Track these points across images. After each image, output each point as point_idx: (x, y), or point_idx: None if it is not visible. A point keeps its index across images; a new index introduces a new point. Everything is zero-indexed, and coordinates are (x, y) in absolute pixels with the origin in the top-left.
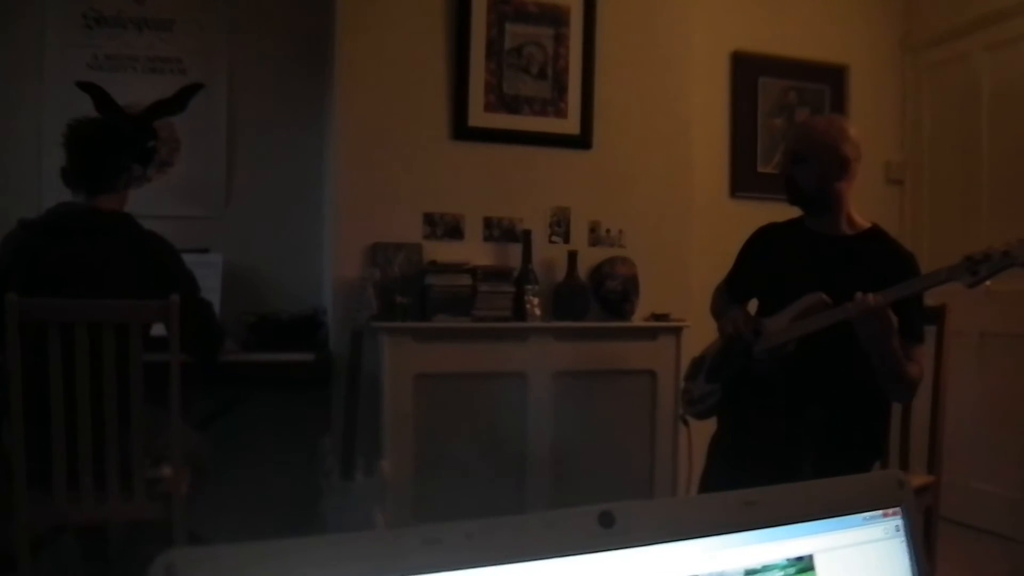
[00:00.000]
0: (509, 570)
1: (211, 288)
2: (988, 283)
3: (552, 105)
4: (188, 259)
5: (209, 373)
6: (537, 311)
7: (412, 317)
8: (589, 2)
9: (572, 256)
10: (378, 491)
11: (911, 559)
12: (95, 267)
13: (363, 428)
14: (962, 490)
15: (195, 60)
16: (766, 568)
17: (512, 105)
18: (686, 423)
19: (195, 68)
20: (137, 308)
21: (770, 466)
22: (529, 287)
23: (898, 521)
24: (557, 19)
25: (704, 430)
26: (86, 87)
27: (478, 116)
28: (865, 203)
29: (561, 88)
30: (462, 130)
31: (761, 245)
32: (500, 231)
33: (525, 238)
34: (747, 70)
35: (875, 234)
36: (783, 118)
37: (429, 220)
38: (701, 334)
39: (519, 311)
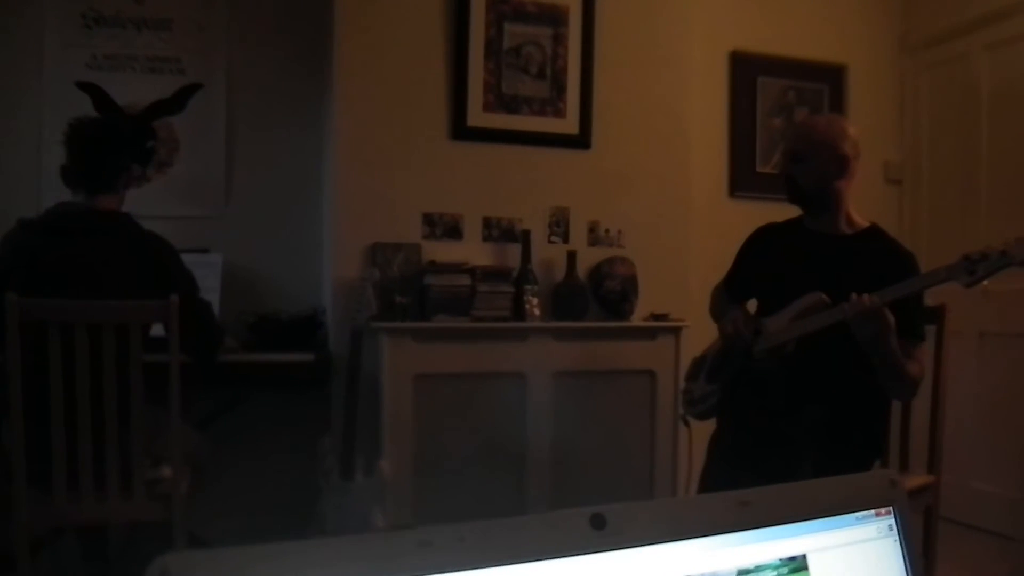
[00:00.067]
0: (502, 572)
1: (210, 288)
2: (986, 283)
3: (551, 105)
4: (187, 259)
5: (208, 373)
6: (536, 311)
7: (411, 317)
8: (588, 2)
9: (571, 256)
10: (377, 491)
11: (904, 558)
12: (95, 267)
13: (362, 428)
14: (962, 490)
15: (194, 60)
16: (759, 568)
17: (511, 105)
18: (687, 423)
19: (194, 68)
20: (137, 308)
21: (770, 466)
22: (528, 287)
23: (891, 520)
24: (556, 19)
25: (704, 430)
26: (85, 87)
27: (477, 116)
28: (864, 203)
29: (560, 88)
30: (461, 130)
31: (760, 245)
32: (499, 231)
33: (524, 238)
34: (746, 70)
35: (874, 233)
36: (782, 118)
37: (428, 220)
38: (700, 334)
39: (518, 311)
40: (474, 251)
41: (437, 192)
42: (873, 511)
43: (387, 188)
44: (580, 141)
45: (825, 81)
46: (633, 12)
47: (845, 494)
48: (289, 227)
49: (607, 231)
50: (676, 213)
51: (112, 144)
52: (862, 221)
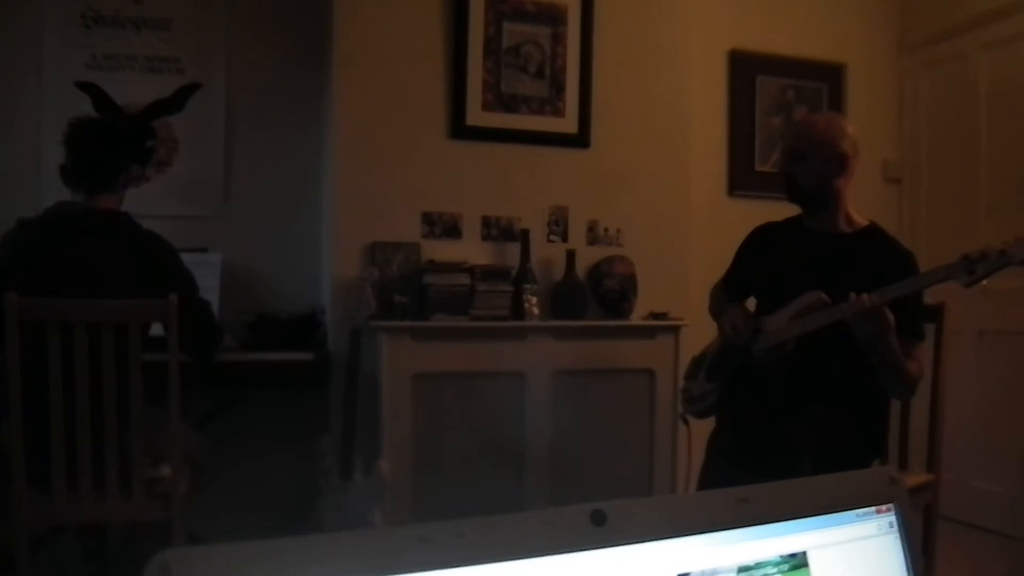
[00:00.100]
0: (502, 568)
1: (210, 287)
2: (985, 282)
3: (550, 104)
4: (187, 259)
5: (207, 372)
6: (535, 310)
7: (410, 316)
8: (587, 1)
9: (570, 255)
10: (376, 490)
11: (904, 555)
12: (94, 267)
13: (361, 427)
14: (961, 488)
15: (193, 60)
16: (760, 565)
17: (510, 104)
18: (686, 422)
19: (193, 67)
20: (136, 308)
21: (769, 465)
22: (527, 286)
23: (891, 517)
24: (555, 18)
25: (704, 429)
26: (85, 87)
27: (476, 115)
28: (863, 201)
29: (559, 87)
30: (460, 129)
31: (759, 244)
32: (498, 230)
33: (523, 237)
34: (745, 69)
35: (873, 232)
36: (781, 116)
37: (427, 219)
38: (699, 333)
39: (517, 310)
40: (473, 250)
41: (436, 191)
42: (874, 508)
43: (386, 187)
44: (579, 140)
45: (824, 80)
46: (632, 11)
47: (846, 491)
48: (288, 226)
49: (606, 230)
50: (675, 212)
51: (111, 144)
52: (861, 220)
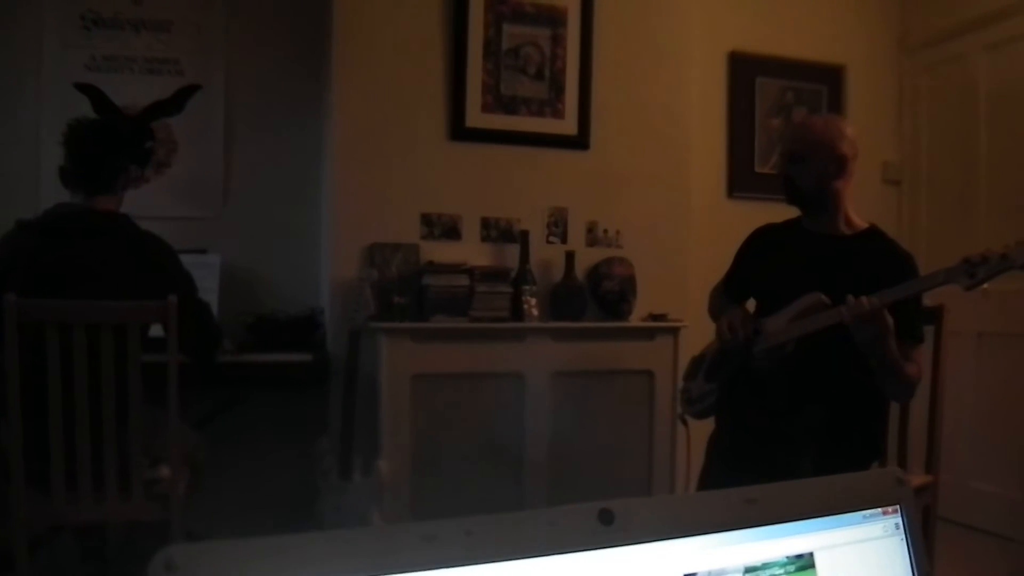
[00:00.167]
0: (508, 567)
1: (209, 289)
2: (986, 285)
3: (549, 106)
4: (186, 260)
5: (207, 373)
6: (535, 311)
7: (410, 317)
8: (586, 3)
9: (569, 256)
10: (375, 491)
11: (910, 557)
12: (93, 268)
13: (360, 428)
14: (960, 490)
15: (192, 61)
16: (766, 566)
17: (509, 106)
18: (685, 422)
19: (192, 69)
20: (135, 309)
21: (769, 466)
22: (526, 287)
23: (897, 519)
24: (554, 20)
25: (703, 430)
26: (84, 88)
27: (475, 117)
28: (862, 203)
29: (558, 89)
30: (459, 131)
31: (759, 245)
32: (497, 231)
33: (522, 238)
34: (744, 70)
35: (873, 234)
36: (780, 118)
37: (426, 220)
38: (699, 334)
39: (516, 311)
40: (472, 251)
41: (435, 192)
42: (880, 509)
43: (385, 188)
44: (578, 142)
45: (824, 81)
46: (631, 13)
47: (852, 492)
48: (287, 227)
49: (605, 231)
50: (674, 213)
51: (110, 145)
52: (861, 222)
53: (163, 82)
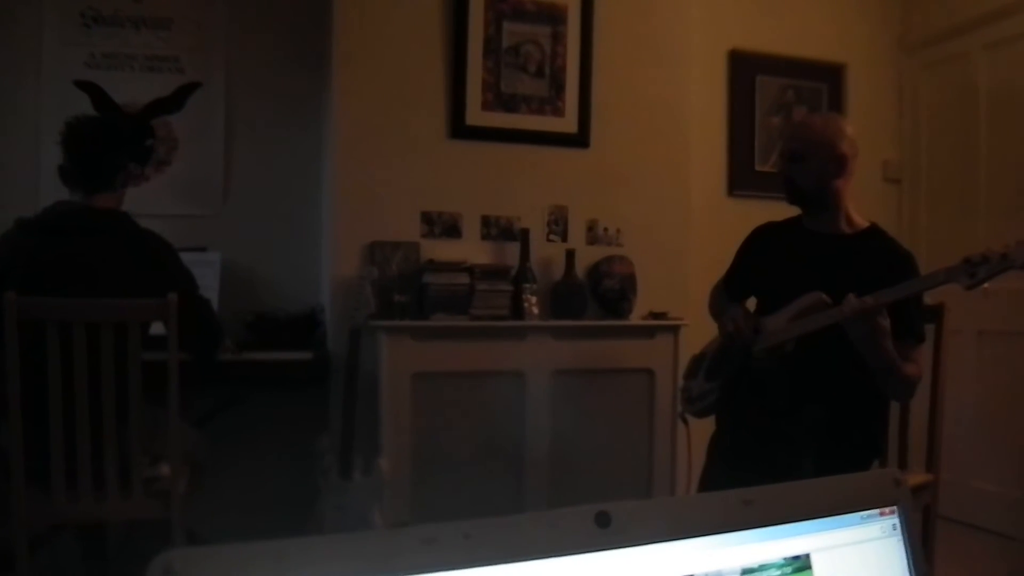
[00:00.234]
0: (506, 570)
1: (209, 287)
2: (986, 285)
3: (550, 104)
4: (186, 258)
5: (207, 371)
6: (535, 310)
7: (410, 316)
8: (587, 1)
9: (570, 255)
10: (376, 490)
11: (908, 558)
12: (92, 266)
13: (361, 427)
14: (961, 488)
15: (193, 59)
16: (763, 567)
17: (510, 104)
18: (685, 421)
19: (193, 67)
20: (136, 307)
21: (769, 466)
22: (527, 286)
23: (895, 520)
24: (555, 18)
25: (704, 429)
26: (84, 86)
27: (475, 115)
28: (862, 202)
29: (559, 87)
30: (459, 129)
31: (759, 244)
32: (498, 230)
33: (523, 237)
34: (745, 68)
35: (873, 233)
36: (781, 117)
37: (427, 219)
38: (699, 333)
39: (517, 310)
40: (473, 250)
41: (436, 191)
42: (877, 510)
43: (386, 187)
44: (579, 140)
45: (824, 80)
46: (632, 11)
47: (849, 493)
48: (288, 226)
49: (606, 230)
50: (675, 212)
51: (109, 143)
52: (861, 221)
53: (163, 80)
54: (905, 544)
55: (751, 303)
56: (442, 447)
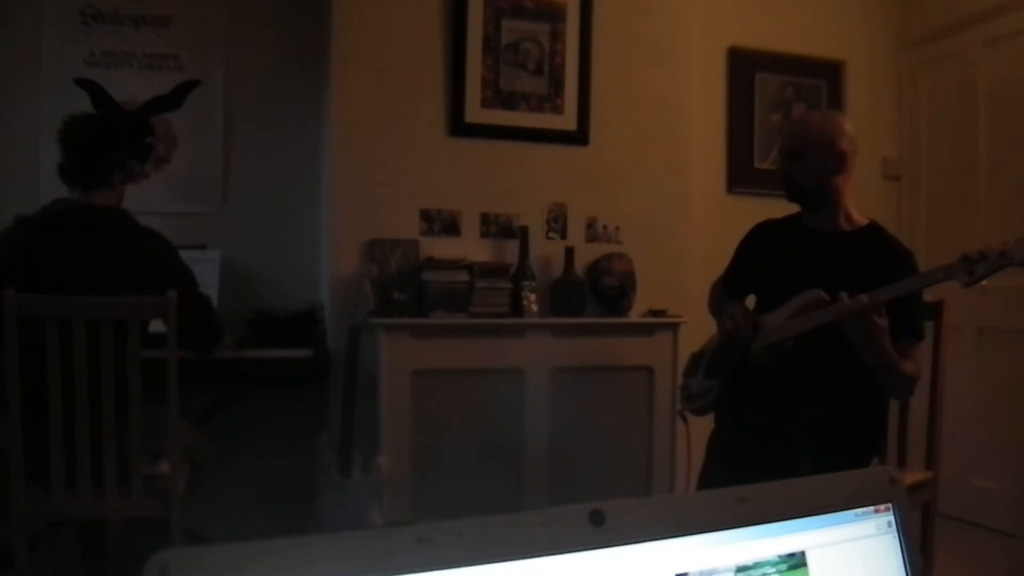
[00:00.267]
0: (500, 569)
1: (209, 284)
2: (985, 282)
3: (549, 101)
4: (186, 255)
5: (205, 357)
6: (534, 307)
7: (409, 313)
8: None
9: (569, 252)
10: (375, 487)
11: (903, 555)
12: (92, 263)
13: (360, 424)
14: (960, 486)
15: (192, 56)
16: (758, 565)
17: (509, 101)
18: (684, 419)
19: (192, 64)
20: (136, 305)
21: (768, 463)
22: (526, 283)
23: (890, 517)
24: (554, 15)
25: (703, 426)
26: (83, 84)
27: (475, 112)
28: (862, 199)
29: (558, 84)
30: (459, 126)
31: (758, 241)
32: (497, 227)
33: (522, 234)
34: (744, 66)
35: (873, 230)
36: (780, 114)
37: (426, 216)
38: (698, 330)
39: (516, 307)
40: (472, 247)
41: (435, 188)
42: (872, 508)
43: (385, 184)
44: (578, 137)
45: (823, 77)
46: (631, 8)
47: (844, 491)
48: (287, 223)
49: (605, 227)
50: (674, 209)
51: (106, 140)
52: (861, 218)
53: (162, 77)
54: (900, 541)
55: (750, 301)
56: (441, 445)
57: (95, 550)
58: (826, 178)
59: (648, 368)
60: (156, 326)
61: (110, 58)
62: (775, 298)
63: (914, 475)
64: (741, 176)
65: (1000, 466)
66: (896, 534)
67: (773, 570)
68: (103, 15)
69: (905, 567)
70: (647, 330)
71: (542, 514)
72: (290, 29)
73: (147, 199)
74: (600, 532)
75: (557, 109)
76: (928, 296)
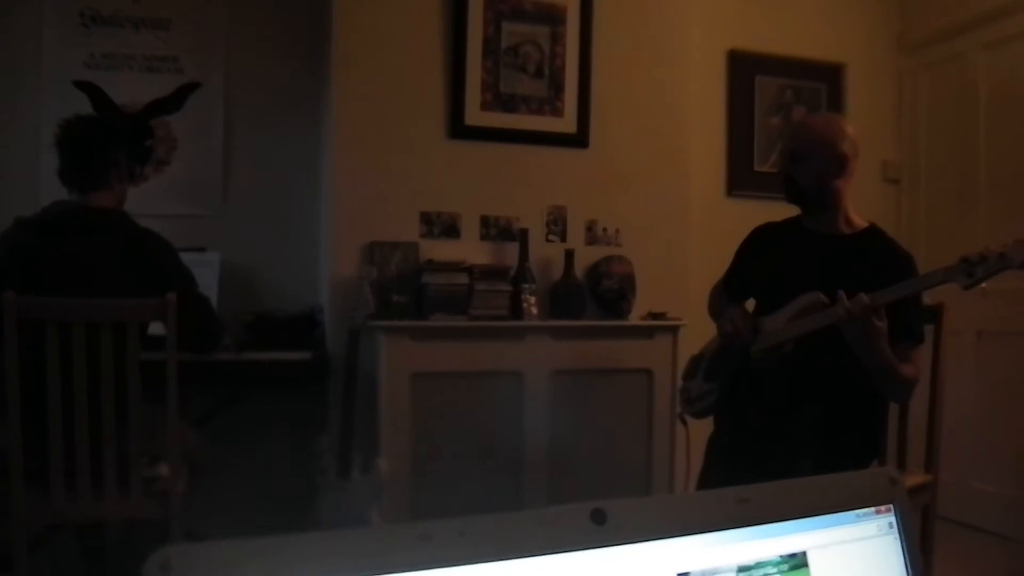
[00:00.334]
0: (502, 567)
1: (208, 287)
2: (984, 284)
3: (548, 104)
4: (185, 258)
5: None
6: (534, 310)
7: (409, 316)
8: (586, 1)
9: (569, 255)
10: (375, 489)
11: (904, 556)
12: (91, 265)
13: (360, 426)
14: (960, 489)
15: (192, 59)
16: (759, 565)
17: (509, 104)
18: (684, 422)
19: (192, 67)
20: (135, 307)
21: (768, 465)
22: (526, 286)
23: (891, 518)
24: (554, 18)
25: (703, 429)
26: (83, 86)
27: (475, 115)
28: (861, 202)
29: (558, 87)
30: (459, 129)
31: (758, 244)
32: (497, 230)
33: (522, 237)
34: (744, 68)
35: (873, 234)
36: (780, 117)
37: (426, 219)
38: (698, 333)
39: (516, 310)
40: (472, 250)
41: (435, 191)
42: (873, 509)
43: (385, 187)
44: (578, 140)
45: (823, 80)
46: (631, 11)
47: (845, 491)
48: (287, 226)
49: (605, 230)
50: (674, 212)
51: (101, 141)
52: (861, 221)
53: (162, 80)
54: (901, 542)
55: (750, 304)
56: (441, 447)
57: (94, 552)
58: (827, 181)
59: (647, 371)
60: (156, 328)
61: (110, 60)
62: (775, 301)
63: (913, 478)
64: (741, 179)
65: (999, 469)
66: (897, 535)
67: (775, 570)
68: (103, 17)
69: (906, 568)
70: (647, 333)
71: (544, 513)
72: (290, 31)
73: (147, 201)
74: (601, 531)
75: (557, 112)
76: (928, 299)
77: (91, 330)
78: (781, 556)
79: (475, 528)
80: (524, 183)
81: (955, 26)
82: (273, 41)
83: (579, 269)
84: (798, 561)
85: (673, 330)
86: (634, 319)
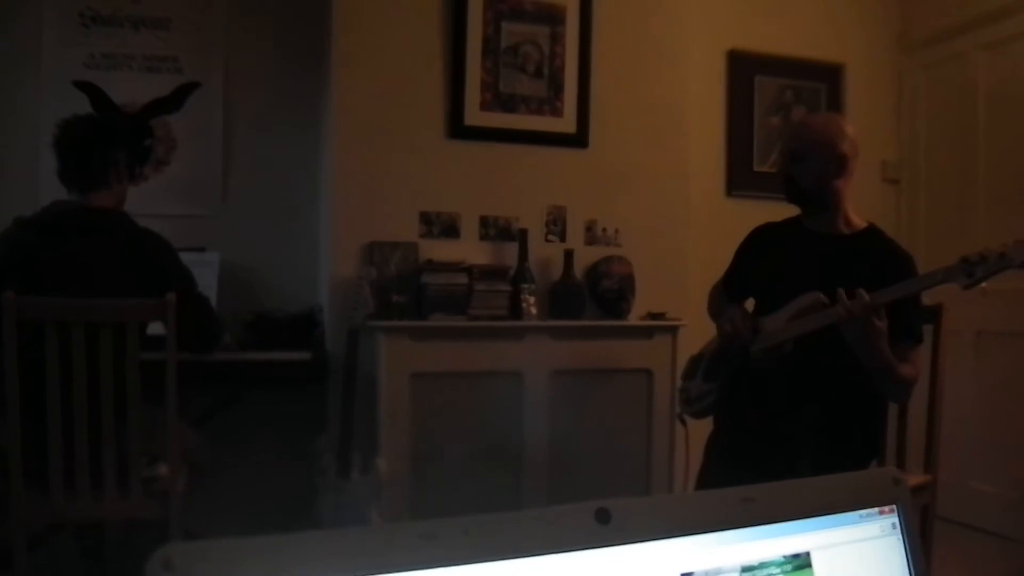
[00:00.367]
0: (506, 566)
1: (208, 287)
2: (984, 284)
3: (548, 104)
4: (185, 258)
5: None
6: (533, 310)
7: (408, 316)
8: (585, 1)
9: (568, 255)
10: (374, 489)
11: (907, 556)
12: (90, 265)
13: (359, 427)
14: (959, 489)
15: (191, 59)
16: (763, 565)
17: (508, 104)
18: (683, 422)
19: (191, 67)
20: (135, 307)
21: (767, 465)
22: (525, 286)
23: (894, 519)
24: (553, 18)
25: (702, 429)
26: (83, 86)
27: (474, 115)
28: (861, 202)
29: (557, 87)
30: (458, 129)
31: (758, 244)
32: (496, 230)
33: (521, 237)
34: (743, 69)
35: (872, 234)
36: (779, 117)
37: (425, 219)
38: (697, 333)
39: (515, 310)
40: (471, 250)
41: (434, 191)
42: (877, 509)
43: (384, 187)
44: (577, 140)
45: (823, 80)
46: (630, 11)
47: (849, 492)
48: (286, 226)
49: (604, 230)
50: (673, 212)
51: (99, 140)
52: (860, 221)
53: (162, 80)
54: (904, 543)
55: (750, 304)
56: (440, 447)
57: (93, 552)
58: (827, 181)
59: (647, 371)
60: (155, 328)
61: (109, 60)
62: (774, 301)
63: (913, 478)
64: (740, 179)
65: (999, 469)
66: (900, 536)
67: (778, 570)
68: (102, 17)
69: (909, 568)
70: (646, 333)
71: (547, 512)
72: (290, 31)
73: (147, 201)
74: (605, 530)
75: (556, 112)
76: (927, 299)
77: (91, 330)
78: (785, 556)
79: (479, 527)
80: (524, 183)
81: (955, 26)
82: (273, 41)
83: (578, 269)
84: (802, 561)
85: (672, 330)
86: (633, 319)
